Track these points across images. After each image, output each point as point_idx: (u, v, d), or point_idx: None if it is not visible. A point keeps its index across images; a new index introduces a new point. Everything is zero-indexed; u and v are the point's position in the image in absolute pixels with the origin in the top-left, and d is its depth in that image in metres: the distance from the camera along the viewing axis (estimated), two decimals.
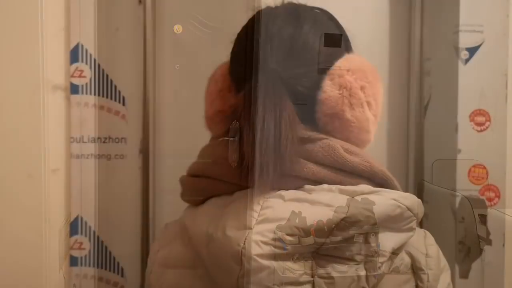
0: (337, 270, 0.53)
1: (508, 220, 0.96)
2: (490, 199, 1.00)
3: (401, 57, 1.12)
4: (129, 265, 1.05)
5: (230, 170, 0.58)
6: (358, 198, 0.54)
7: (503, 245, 0.96)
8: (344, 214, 0.52)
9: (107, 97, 1.02)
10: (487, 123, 1.00)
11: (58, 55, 0.83)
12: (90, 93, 1.00)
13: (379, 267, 0.54)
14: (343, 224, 0.52)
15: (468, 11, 0.99)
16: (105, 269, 1.03)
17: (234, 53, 0.64)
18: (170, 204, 1.06)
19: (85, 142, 1.00)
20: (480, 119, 1.00)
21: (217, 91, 0.64)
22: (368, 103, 0.60)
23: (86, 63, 1.00)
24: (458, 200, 0.99)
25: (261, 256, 0.51)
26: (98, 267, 1.02)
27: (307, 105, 0.59)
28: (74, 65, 0.98)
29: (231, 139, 0.57)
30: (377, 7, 1.11)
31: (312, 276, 0.53)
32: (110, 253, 1.04)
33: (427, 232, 0.62)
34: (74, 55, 0.97)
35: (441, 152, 1.06)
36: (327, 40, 0.60)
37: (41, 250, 0.71)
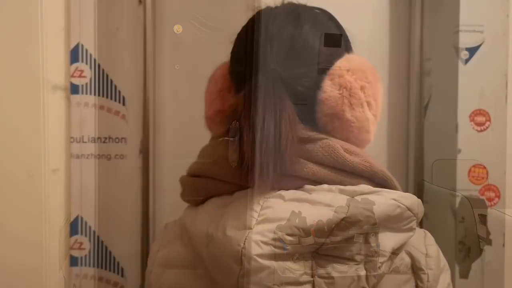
0: (337, 270, 0.53)
1: (508, 220, 0.96)
2: (490, 199, 1.00)
3: (401, 57, 1.12)
4: (129, 265, 1.05)
5: (230, 170, 0.58)
6: (358, 198, 0.54)
7: (503, 245, 0.96)
8: (344, 214, 0.52)
9: (107, 97, 1.02)
10: (487, 123, 1.00)
11: (58, 55, 0.83)
12: (90, 93, 1.00)
13: (379, 267, 0.54)
14: (343, 224, 0.52)
15: (468, 11, 0.99)
16: (105, 269, 1.03)
17: (234, 53, 0.64)
18: (170, 204, 1.06)
19: (85, 142, 1.00)
20: (480, 119, 1.00)
21: (217, 91, 0.64)
22: (368, 103, 0.60)
23: (86, 63, 1.00)
24: (458, 200, 0.99)
25: (261, 256, 0.51)
26: (98, 267, 1.02)
27: (307, 105, 0.59)
28: (74, 65, 0.98)
29: (231, 139, 0.57)
30: (377, 7, 1.11)
31: (312, 276, 0.53)
32: (110, 253, 1.04)
33: (427, 232, 0.62)
34: (74, 55, 0.97)
35: (441, 152, 1.06)
36: (327, 40, 0.60)
37: (41, 250, 0.71)
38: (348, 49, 0.64)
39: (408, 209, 0.55)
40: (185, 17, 1.04)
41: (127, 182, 1.05)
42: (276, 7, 0.64)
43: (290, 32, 0.60)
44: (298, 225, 0.52)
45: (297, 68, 0.59)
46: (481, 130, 1.00)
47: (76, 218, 0.99)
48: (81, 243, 1.00)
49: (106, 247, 1.03)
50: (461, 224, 0.99)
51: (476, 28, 1.00)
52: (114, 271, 1.04)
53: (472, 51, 1.00)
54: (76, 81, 0.98)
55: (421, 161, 1.10)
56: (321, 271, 0.53)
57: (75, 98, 0.98)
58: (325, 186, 0.57)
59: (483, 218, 0.96)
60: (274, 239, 0.52)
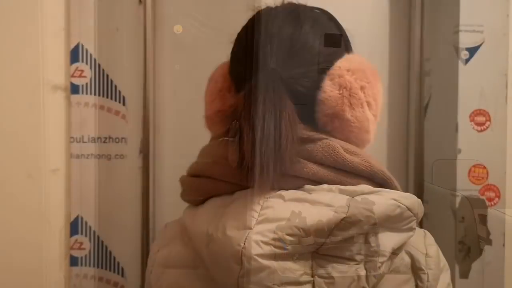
0: (337, 270, 0.53)
1: (508, 220, 0.96)
2: (490, 199, 1.00)
3: (401, 57, 1.12)
4: (129, 265, 1.05)
5: (230, 170, 0.57)
6: (358, 198, 0.54)
7: (503, 245, 0.96)
8: (344, 214, 0.52)
9: (107, 97, 1.02)
10: (487, 123, 1.00)
11: (58, 55, 0.83)
12: (90, 93, 1.00)
13: (379, 267, 0.54)
14: (343, 224, 0.52)
15: (468, 11, 0.99)
16: (105, 269, 1.04)
17: (234, 53, 0.64)
18: (170, 204, 1.06)
19: (85, 142, 1.00)
20: (480, 119, 1.00)
21: (217, 91, 0.64)
22: (368, 103, 0.60)
23: (86, 63, 1.00)
24: (458, 200, 0.99)
25: (261, 256, 0.51)
26: (98, 267, 1.02)
27: (307, 105, 0.59)
28: (74, 65, 0.98)
29: (231, 139, 0.57)
30: (377, 7, 1.12)
31: (312, 276, 0.53)
32: (110, 253, 1.04)
33: (427, 232, 0.62)
34: (74, 55, 0.98)
35: (441, 152, 1.06)
36: (327, 40, 0.60)
37: (41, 250, 0.71)
38: (348, 49, 0.64)
39: (408, 209, 0.55)
40: (185, 17, 1.04)
41: (127, 182, 1.05)
42: (276, 7, 0.64)
43: (290, 32, 0.60)
44: (298, 225, 0.52)
45: (297, 68, 0.59)
46: (481, 130, 1.00)
47: (76, 218, 0.99)
48: (81, 243, 1.00)
49: (106, 247, 1.03)
50: (461, 224, 0.99)
51: (476, 28, 1.00)
52: (114, 271, 1.04)
53: (472, 51, 1.00)
54: (76, 81, 0.98)
55: (421, 161, 1.10)
56: (321, 271, 0.53)
57: (75, 98, 0.98)
58: (325, 186, 0.57)
59: (483, 218, 0.97)
60: (274, 239, 0.52)
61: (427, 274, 0.57)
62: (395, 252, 0.55)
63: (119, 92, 1.03)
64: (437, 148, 1.08)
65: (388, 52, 1.12)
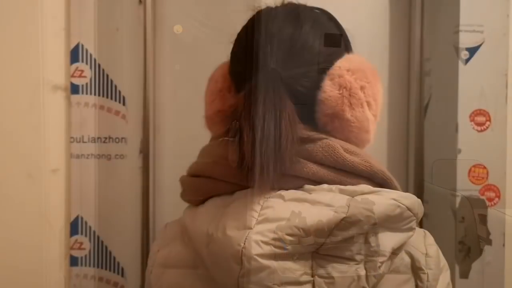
0: (337, 270, 0.53)
1: (508, 220, 0.96)
2: (490, 199, 1.00)
3: (401, 57, 1.12)
4: (129, 265, 1.05)
5: (230, 170, 0.57)
6: (358, 198, 0.54)
7: (503, 245, 0.96)
8: (344, 214, 0.52)
9: (107, 97, 1.02)
10: (487, 123, 1.00)
11: (58, 55, 0.84)
12: (90, 93, 1.00)
13: (379, 267, 0.54)
14: (343, 224, 0.52)
15: (468, 11, 0.99)
16: (105, 269, 1.04)
17: (234, 53, 0.64)
18: (170, 204, 1.06)
19: (85, 142, 1.00)
20: (480, 119, 1.00)
21: (217, 91, 0.64)
22: (368, 103, 0.60)
23: (86, 63, 1.00)
24: (458, 200, 0.99)
25: (262, 256, 0.51)
26: (98, 267, 1.02)
27: (307, 105, 0.59)
28: (74, 65, 0.98)
29: (231, 139, 0.57)
30: (377, 7, 1.12)
31: (312, 276, 0.53)
32: (110, 253, 1.04)
33: (427, 232, 0.62)
34: (74, 55, 0.97)
35: (441, 152, 1.06)
36: (327, 40, 0.60)
37: (41, 250, 0.71)
38: (348, 49, 0.64)
39: (408, 209, 0.55)
40: (185, 17, 1.04)
41: (127, 182, 1.05)
42: (276, 7, 0.64)
43: (290, 32, 0.60)
44: (298, 225, 0.52)
45: (297, 68, 0.59)
46: (481, 130, 1.00)
47: (76, 218, 0.99)
48: (81, 243, 1.00)
49: (106, 247, 1.03)
50: (461, 224, 0.99)
51: (476, 28, 1.00)
52: (114, 271, 1.04)
53: (472, 51, 1.00)
54: (76, 81, 0.98)
55: (421, 161, 1.10)
56: (321, 271, 0.53)
57: (75, 98, 0.98)
58: (325, 186, 0.57)
59: (483, 218, 0.97)
60: (274, 239, 0.52)
61: (427, 274, 0.57)
62: (395, 252, 0.55)
63: (119, 92, 1.03)
64: (437, 148, 1.08)
65: (388, 52, 1.12)
